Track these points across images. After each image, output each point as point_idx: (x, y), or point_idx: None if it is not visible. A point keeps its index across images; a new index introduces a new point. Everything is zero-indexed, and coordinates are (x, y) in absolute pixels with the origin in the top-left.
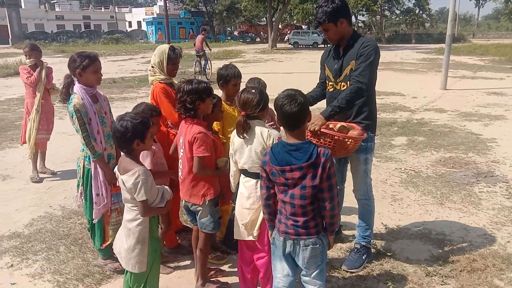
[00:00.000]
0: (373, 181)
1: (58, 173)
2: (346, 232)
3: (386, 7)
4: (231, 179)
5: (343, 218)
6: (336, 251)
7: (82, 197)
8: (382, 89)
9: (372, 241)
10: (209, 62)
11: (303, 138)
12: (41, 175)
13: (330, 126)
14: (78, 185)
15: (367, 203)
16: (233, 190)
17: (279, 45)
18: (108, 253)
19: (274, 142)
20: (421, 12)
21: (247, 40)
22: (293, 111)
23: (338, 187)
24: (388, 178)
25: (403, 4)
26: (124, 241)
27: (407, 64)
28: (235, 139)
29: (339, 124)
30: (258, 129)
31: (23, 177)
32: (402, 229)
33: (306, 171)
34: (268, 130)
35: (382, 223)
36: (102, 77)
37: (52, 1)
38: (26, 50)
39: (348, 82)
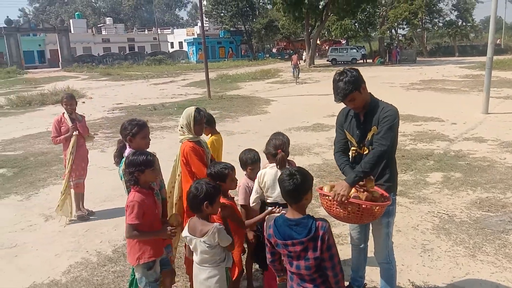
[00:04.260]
0: (404, 227)
1: (96, 212)
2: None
3: (428, 20)
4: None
5: (368, 275)
6: None
7: None
8: (421, 114)
9: None
10: (299, 71)
11: (302, 213)
12: (79, 216)
13: (353, 192)
14: None
15: (389, 267)
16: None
17: (317, 61)
18: None
19: None
20: (464, 23)
21: (285, 57)
22: (288, 189)
23: (362, 245)
24: (420, 224)
25: (445, 16)
26: None
27: (448, 82)
28: (266, 178)
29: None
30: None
31: (64, 218)
32: (429, 287)
33: (307, 244)
34: None
35: (409, 280)
36: (144, 104)
37: (98, 25)
38: (65, 100)
39: (370, 147)
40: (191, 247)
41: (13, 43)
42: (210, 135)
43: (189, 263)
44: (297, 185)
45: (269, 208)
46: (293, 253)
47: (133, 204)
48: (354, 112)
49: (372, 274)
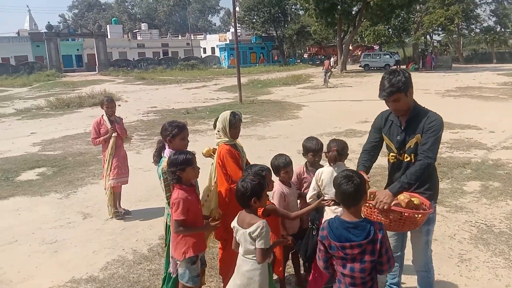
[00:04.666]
0: (440, 236)
1: (132, 212)
2: None
3: (464, 26)
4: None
5: (405, 283)
6: None
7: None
8: (457, 121)
9: None
10: (331, 74)
11: (359, 216)
12: (115, 215)
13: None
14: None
15: (427, 276)
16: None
17: (349, 67)
18: None
19: None
20: (503, 29)
21: (317, 62)
22: (348, 191)
23: (398, 253)
24: (457, 233)
25: (482, 22)
26: None
27: (486, 89)
28: (323, 176)
29: (403, 197)
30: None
31: (101, 216)
32: None
33: (365, 247)
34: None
35: None
36: (177, 108)
37: (134, 31)
38: (106, 103)
39: (412, 155)
40: (237, 238)
41: (53, 47)
42: None
43: (223, 264)
44: (358, 186)
45: (319, 200)
46: (350, 256)
47: (178, 201)
48: (395, 117)
49: (409, 282)
